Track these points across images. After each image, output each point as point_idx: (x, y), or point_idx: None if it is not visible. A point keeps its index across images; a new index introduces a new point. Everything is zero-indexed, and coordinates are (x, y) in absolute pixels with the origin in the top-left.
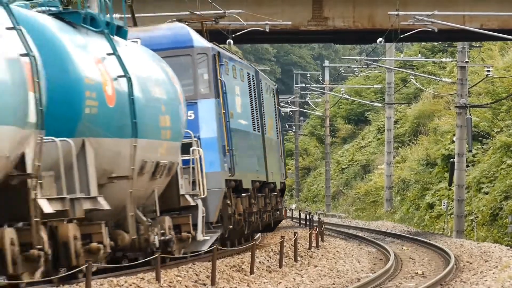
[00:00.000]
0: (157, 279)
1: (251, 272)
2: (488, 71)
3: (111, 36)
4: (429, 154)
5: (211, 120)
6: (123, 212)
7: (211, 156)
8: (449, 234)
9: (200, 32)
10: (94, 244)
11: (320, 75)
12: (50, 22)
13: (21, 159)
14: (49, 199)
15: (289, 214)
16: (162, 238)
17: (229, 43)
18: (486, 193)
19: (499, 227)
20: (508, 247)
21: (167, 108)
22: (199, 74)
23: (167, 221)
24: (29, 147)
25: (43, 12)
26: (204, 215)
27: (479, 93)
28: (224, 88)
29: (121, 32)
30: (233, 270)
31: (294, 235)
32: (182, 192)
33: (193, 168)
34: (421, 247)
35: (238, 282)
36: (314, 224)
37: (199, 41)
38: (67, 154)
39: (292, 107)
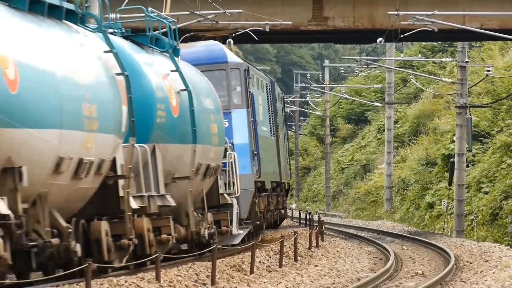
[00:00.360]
0: (157, 278)
1: (251, 272)
2: (488, 71)
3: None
4: (429, 153)
5: (243, 128)
6: (180, 208)
7: (243, 160)
8: (449, 233)
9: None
10: (164, 236)
11: (320, 75)
12: (125, 43)
13: (113, 162)
14: (133, 197)
15: (289, 213)
16: (208, 231)
17: (229, 42)
18: (486, 193)
19: (499, 227)
20: (508, 247)
21: (215, 117)
22: (233, 86)
23: (209, 216)
24: (119, 152)
25: (112, 34)
26: (238, 212)
27: (479, 92)
28: (252, 99)
29: (175, 51)
30: (233, 270)
31: (294, 235)
32: (221, 191)
33: (227, 170)
34: (421, 246)
35: (238, 282)
36: (314, 224)
37: (232, 57)
38: (143, 158)
39: (292, 106)
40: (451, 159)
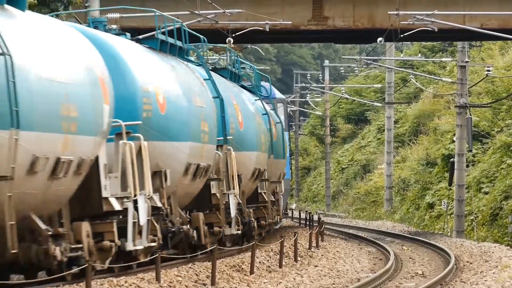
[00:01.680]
0: (157, 279)
1: (251, 272)
2: (488, 70)
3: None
4: (429, 154)
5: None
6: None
7: (285, 169)
8: (449, 234)
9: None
10: (263, 222)
11: (320, 75)
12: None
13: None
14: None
15: (289, 213)
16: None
17: (229, 41)
18: (486, 193)
19: (499, 227)
20: (508, 247)
21: (283, 137)
22: (279, 115)
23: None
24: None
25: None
26: (282, 205)
27: (479, 92)
28: (289, 124)
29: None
30: (233, 270)
31: (294, 235)
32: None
33: None
34: (421, 247)
35: (238, 282)
36: (314, 224)
37: (278, 94)
38: (263, 163)
39: (292, 106)
40: (451, 159)
